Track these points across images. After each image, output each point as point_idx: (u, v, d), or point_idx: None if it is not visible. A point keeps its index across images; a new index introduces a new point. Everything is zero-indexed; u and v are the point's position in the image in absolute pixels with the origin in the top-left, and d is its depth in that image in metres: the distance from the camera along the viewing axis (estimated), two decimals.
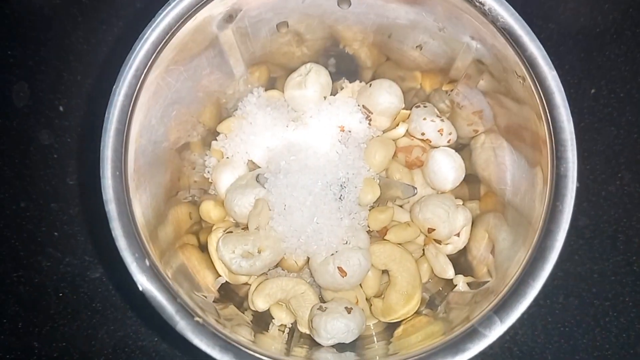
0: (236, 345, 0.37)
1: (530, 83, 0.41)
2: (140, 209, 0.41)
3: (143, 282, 0.37)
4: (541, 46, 0.40)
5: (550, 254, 0.37)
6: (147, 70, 0.41)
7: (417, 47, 0.51)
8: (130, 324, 0.63)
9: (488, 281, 0.45)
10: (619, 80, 0.67)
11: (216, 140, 0.55)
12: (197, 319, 0.37)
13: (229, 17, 0.45)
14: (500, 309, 0.37)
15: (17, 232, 0.66)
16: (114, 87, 0.40)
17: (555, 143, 0.39)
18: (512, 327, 0.64)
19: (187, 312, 0.37)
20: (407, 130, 0.54)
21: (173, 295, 0.37)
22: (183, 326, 0.37)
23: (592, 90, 0.68)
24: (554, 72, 0.40)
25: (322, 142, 0.51)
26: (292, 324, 0.53)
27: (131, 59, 0.40)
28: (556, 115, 0.39)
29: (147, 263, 0.38)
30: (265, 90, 0.57)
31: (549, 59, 0.40)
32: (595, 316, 0.64)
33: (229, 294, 0.54)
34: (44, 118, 0.68)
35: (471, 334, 0.37)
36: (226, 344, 0.36)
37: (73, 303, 0.64)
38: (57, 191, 0.66)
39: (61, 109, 0.68)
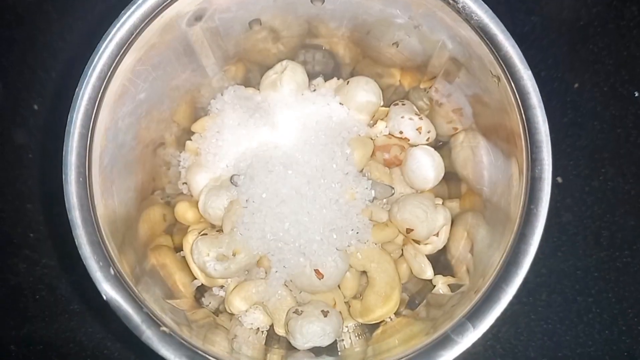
0: (204, 355, 0.36)
1: (506, 82, 0.40)
2: (106, 215, 0.40)
3: (107, 290, 0.36)
4: (516, 45, 0.39)
5: (524, 259, 0.37)
6: (111, 72, 0.40)
7: (393, 44, 0.50)
8: (109, 326, 0.62)
9: (465, 284, 0.45)
10: (602, 74, 0.67)
11: (191, 139, 0.54)
12: (163, 328, 0.36)
13: (198, 16, 0.44)
14: (474, 315, 0.37)
15: None
16: (77, 90, 0.39)
17: (530, 144, 0.38)
18: (495, 325, 0.64)
19: (154, 322, 0.36)
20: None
21: (139, 304, 0.37)
22: (149, 336, 0.36)
23: (576, 85, 0.67)
24: (529, 72, 0.39)
25: (298, 138, 0.50)
26: (270, 326, 0.52)
27: (94, 61, 0.39)
28: (531, 116, 0.38)
29: (112, 272, 0.37)
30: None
31: (524, 59, 0.39)
32: (578, 313, 0.63)
33: (205, 297, 0.53)
34: (19, 117, 0.66)
35: (444, 341, 0.36)
36: (194, 354, 0.36)
37: (50, 305, 0.63)
38: (32, 192, 0.65)
39: (36, 107, 0.67)
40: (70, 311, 0.63)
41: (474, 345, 0.63)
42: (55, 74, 0.67)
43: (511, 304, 0.64)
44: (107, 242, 0.38)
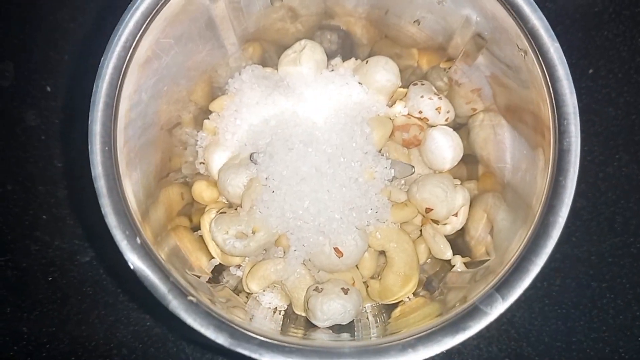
0: (231, 324, 0.35)
1: (533, 56, 0.39)
2: (130, 187, 0.39)
3: (134, 260, 0.36)
4: (544, 17, 0.39)
5: (552, 230, 0.37)
6: (136, 42, 0.39)
7: (414, 22, 0.50)
8: (121, 309, 0.62)
9: (487, 260, 0.44)
10: (617, 61, 0.67)
11: (208, 119, 0.54)
12: (190, 298, 0.36)
13: None
14: (502, 286, 0.36)
15: (4, 215, 0.64)
16: (102, 59, 0.38)
17: (557, 117, 0.38)
18: (510, 310, 0.64)
19: (180, 291, 0.36)
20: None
21: (165, 274, 0.36)
22: (176, 305, 0.35)
23: (590, 71, 0.67)
24: (557, 44, 0.39)
25: (318, 117, 0.50)
26: (287, 306, 0.52)
27: (120, 29, 0.39)
28: (559, 88, 0.38)
29: (139, 241, 0.36)
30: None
31: (552, 31, 0.39)
32: (592, 298, 0.63)
33: (223, 276, 0.52)
34: (30, 98, 0.66)
35: (472, 312, 0.36)
36: (220, 324, 0.35)
37: (62, 287, 0.63)
38: (44, 173, 0.65)
39: (48, 89, 0.66)
40: (83, 293, 0.62)
41: (489, 329, 0.63)
42: (67, 55, 0.66)
43: (526, 288, 0.65)
44: (132, 212, 0.37)
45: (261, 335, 0.36)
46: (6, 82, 0.66)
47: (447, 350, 0.62)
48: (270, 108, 0.50)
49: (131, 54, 0.39)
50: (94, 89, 0.38)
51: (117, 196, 0.37)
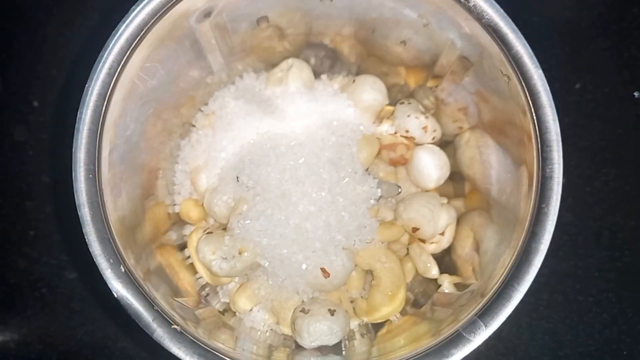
0: (216, 353, 0.35)
1: (516, 81, 0.40)
2: (115, 212, 0.39)
3: (118, 289, 0.36)
4: (527, 44, 0.39)
5: (535, 257, 0.37)
6: (121, 68, 0.39)
7: (401, 42, 0.50)
8: (109, 325, 0.62)
9: (472, 283, 0.45)
10: (604, 75, 0.67)
11: (195, 134, 0.54)
12: (174, 326, 0.36)
13: (207, 13, 0.43)
14: (485, 313, 0.37)
15: None
16: (86, 86, 0.38)
17: (540, 143, 0.38)
18: None
19: (165, 320, 0.36)
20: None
21: (150, 302, 0.36)
22: (160, 334, 0.35)
23: (577, 85, 0.67)
24: (540, 71, 0.39)
25: (304, 135, 0.50)
26: (274, 325, 0.52)
27: (104, 56, 0.39)
28: (542, 115, 0.38)
29: (123, 269, 0.36)
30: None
31: (535, 58, 0.39)
32: (579, 312, 0.63)
33: (210, 297, 0.52)
34: (18, 114, 0.66)
35: (456, 339, 0.36)
36: (205, 352, 0.35)
37: (50, 304, 0.62)
38: (32, 189, 0.64)
39: (35, 104, 0.66)
40: (71, 309, 0.62)
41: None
42: (55, 70, 0.66)
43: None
44: (116, 239, 0.38)
45: None
46: None
47: None
48: (257, 125, 0.50)
49: (116, 79, 0.39)
50: (78, 116, 0.38)
51: (101, 223, 0.37)
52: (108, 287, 0.61)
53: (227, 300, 0.52)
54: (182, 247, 0.53)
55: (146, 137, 0.47)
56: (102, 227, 0.37)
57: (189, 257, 0.52)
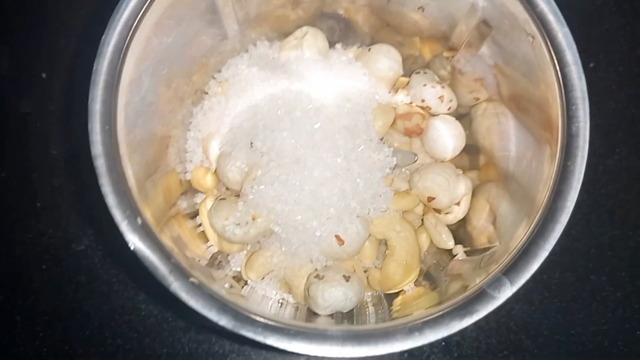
0: (234, 307, 0.35)
1: (541, 41, 0.39)
2: (130, 168, 0.38)
3: (135, 241, 0.35)
4: (552, 1, 0.39)
5: (561, 215, 0.36)
6: (138, 21, 0.39)
7: (418, 8, 0.49)
8: (116, 298, 0.61)
9: (492, 247, 0.44)
10: (617, 54, 0.66)
11: (207, 101, 0.53)
12: (192, 279, 0.35)
13: None
14: (510, 270, 0.36)
15: None
16: (103, 37, 0.38)
17: (566, 102, 0.38)
18: (509, 302, 0.64)
19: (182, 273, 0.35)
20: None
21: (166, 255, 0.35)
22: (177, 287, 0.35)
23: (591, 64, 0.67)
24: (566, 29, 0.38)
25: (320, 101, 0.49)
26: (286, 295, 0.51)
27: (121, 7, 0.38)
28: (567, 73, 0.38)
29: (139, 221, 0.36)
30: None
31: (561, 15, 0.39)
32: (592, 291, 0.63)
33: (222, 264, 0.52)
34: (26, 85, 0.65)
35: (480, 296, 0.36)
36: (223, 306, 0.34)
37: (56, 276, 0.61)
38: (39, 161, 0.63)
39: (43, 75, 0.65)
40: (77, 282, 0.61)
41: (488, 321, 0.63)
42: (64, 40, 0.65)
43: (526, 281, 0.65)
44: (132, 193, 0.37)
45: (264, 317, 0.35)
46: (1, 67, 0.65)
47: (446, 342, 0.62)
48: (271, 91, 0.50)
49: (132, 33, 0.39)
50: (94, 67, 0.37)
51: (117, 176, 0.36)
52: (118, 255, 0.61)
53: (239, 269, 0.51)
54: (193, 216, 0.53)
55: (160, 100, 0.46)
56: (117, 179, 0.36)
57: (199, 225, 0.52)
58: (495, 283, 0.35)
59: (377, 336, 0.35)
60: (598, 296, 0.63)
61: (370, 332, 0.35)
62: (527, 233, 0.37)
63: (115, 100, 0.38)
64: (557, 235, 0.36)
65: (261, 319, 0.35)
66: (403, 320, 0.36)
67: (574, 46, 0.38)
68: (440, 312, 0.35)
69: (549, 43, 0.39)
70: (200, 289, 0.35)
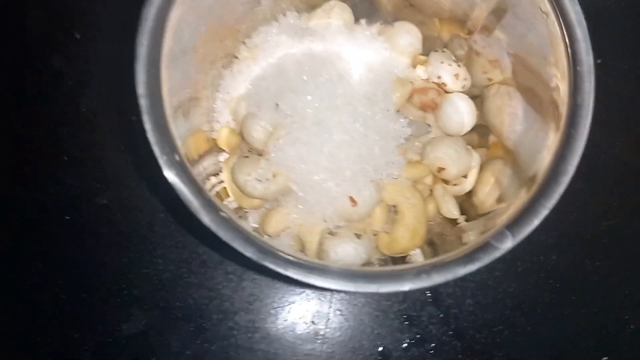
0: (258, 240, 0.38)
1: (554, 18, 0.42)
2: (171, 113, 0.41)
3: (171, 176, 0.38)
4: None
5: (563, 178, 0.39)
6: None
7: None
8: (134, 251, 0.64)
9: (498, 208, 0.47)
10: (626, 53, 0.70)
11: (237, 65, 0.56)
12: (222, 213, 0.38)
13: None
14: (513, 225, 0.39)
15: (24, 154, 0.66)
16: None
17: (574, 75, 0.41)
18: (506, 281, 0.67)
19: (213, 207, 0.38)
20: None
21: (200, 190, 0.38)
22: (209, 220, 0.38)
23: (598, 61, 0.69)
24: (578, 7, 0.41)
25: (344, 68, 0.52)
26: (300, 251, 0.54)
27: None
28: (576, 48, 0.41)
29: (177, 158, 0.39)
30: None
31: None
32: (585, 275, 0.66)
33: (241, 219, 0.54)
34: (59, 43, 0.68)
35: (483, 247, 0.38)
36: (249, 238, 0.38)
37: (77, 227, 0.64)
38: (68, 116, 0.66)
39: (77, 36, 0.68)
40: (97, 234, 0.64)
41: (486, 297, 0.66)
42: (99, 3, 0.68)
43: (522, 261, 0.67)
44: (172, 132, 0.40)
45: (285, 253, 0.38)
46: (37, 26, 0.68)
47: (445, 314, 0.65)
48: (298, 58, 0.53)
49: None
50: (142, 13, 0.40)
51: (160, 115, 0.39)
52: (135, 214, 0.64)
53: (256, 226, 0.54)
54: (215, 174, 0.55)
55: (194, 58, 0.49)
56: (160, 117, 0.39)
57: (221, 182, 0.55)
58: (498, 235, 0.38)
59: (389, 276, 0.38)
60: (591, 280, 0.66)
61: (383, 272, 0.38)
62: (531, 193, 0.40)
63: (160, 48, 0.41)
64: (558, 195, 0.39)
65: (283, 254, 0.38)
66: (412, 265, 0.39)
67: (584, 23, 0.41)
68: (446, 259, 0.38)
69: (561, 20, 0.42)
70: (229, 222, 0.38)
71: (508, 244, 0.38)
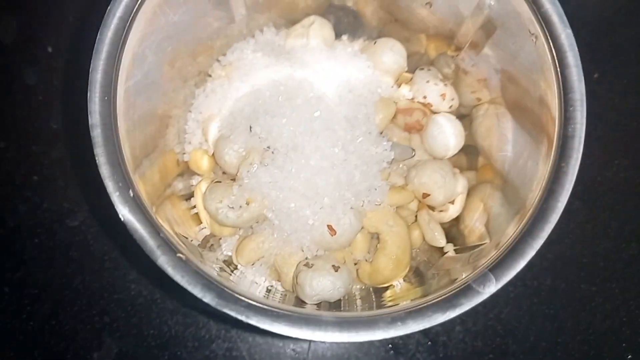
0: (219, 285, 0.35)
1: (544, 41, 0.39)
2: (128, 142, 0.39)
3: (125, 213, 0.35)
4: (557, 3, 0.39)
5: (551, 215, 0.36)
6: None
7: (426, 4, 0.49)
8: (106, 276, 0.61)
9: (483, 244, 0.44)
10: (624, 66, 0.67)
11: (210, 84, 0.53)
12: (179, 255, 0.35)
13: None
14: (496, 267, 0.36)
15: None
16: (109, 7, 0.38)
17: (564, 103, 0.38)
18: (497, 306, 0.64)
19: (170, 248, 0.35)
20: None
21: (156, 230, 0.35)
22: (164, 261, 0.35)
23: (596, 75, 0.67)
24: (569, 31, 0.38)
25: (322, 90, 0.49)
26: (274, 282, 0.51)
27: None
28: (568, 74, 0.38)
29: (131, 194, 0.36)
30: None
31: (565, 17, 0.39)
32: (581, 300, 0.63)
33: (213, 247, 0.52)
34: (31, 57, 0.65)
35: (465, 291, 0.35)
36: (209, 283, 0.35)
37: (48, 250, 0.62)
38: (39, 134, 0.64)
39: (49, 49, 0.65)
40: (68, 258, 0.61)
41: (476, 324, 0.63)
42: (71, 16, 0.66)
43: (515, 286, 0.65)
44: (127, 165, 0.37)
45: (249, 299, 0.35)
46: (8, 38, 0.65)
47: (433, 341, 0.62)
48: (274, 77, 0.50)
49: (139, 5, 0.39)
50: (97, 37, 0.37)
51: (113, 147, 0.36)
52: (108, 236, 0.61)
53: (230, 254, 0.52)
54: (188, 197, 0.53)
55: (162, 78, 0.46)
56: (113, 150, 0.36)
57: (193, 207, 0.52)
58: (481, 278, 0.35)
59: (359, 323, 0.35)
60: (587, 306, 0.63)
61: (353, 318, 0.35)
62: (517, 231, 0.37)
63: (116, 72, 0.38)
64: (546, 234, 0.36)
65: (245, 299, 0.35)
66: (387, 310, 0.36)
67: (576, 48, 0.38)
68: (425, 304, 0.35)
69: (551, 44, 0.39)
70: (187, 265, 0.35)
71: (491, 287, 0.35)
